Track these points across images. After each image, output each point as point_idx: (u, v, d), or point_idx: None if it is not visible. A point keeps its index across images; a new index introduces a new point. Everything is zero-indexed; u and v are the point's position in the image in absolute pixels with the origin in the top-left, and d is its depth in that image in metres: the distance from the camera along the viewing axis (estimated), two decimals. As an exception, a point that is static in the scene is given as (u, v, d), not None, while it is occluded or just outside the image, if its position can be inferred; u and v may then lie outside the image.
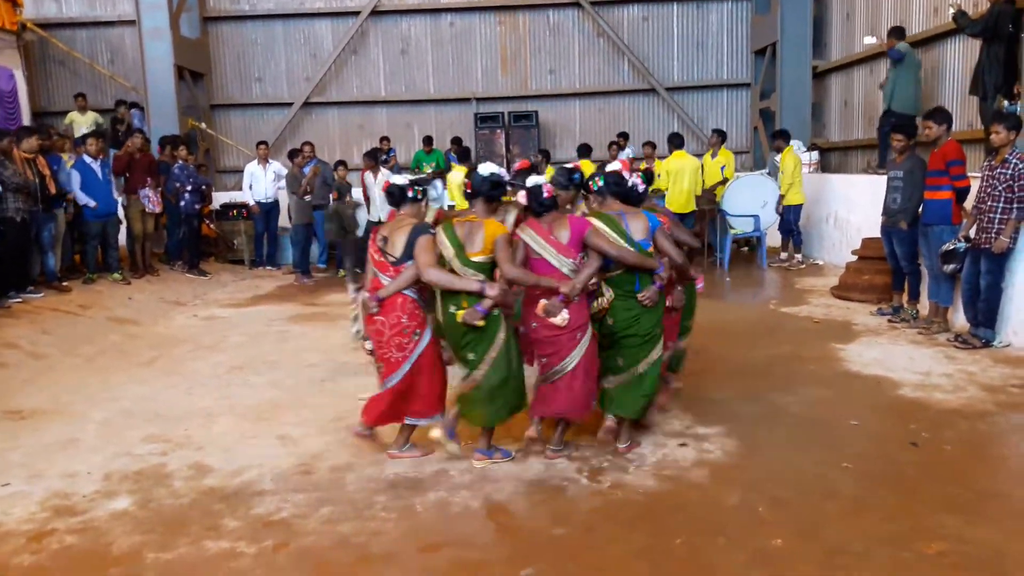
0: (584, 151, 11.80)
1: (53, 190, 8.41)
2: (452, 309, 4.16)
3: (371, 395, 4.49)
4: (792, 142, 11.04)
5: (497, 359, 4.20)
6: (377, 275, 4.33)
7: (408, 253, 4.20)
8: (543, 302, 4.18)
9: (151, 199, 10.22)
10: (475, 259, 4.17)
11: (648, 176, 4.85)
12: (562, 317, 4.16)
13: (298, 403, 5.59)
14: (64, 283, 8.68)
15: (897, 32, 9.36)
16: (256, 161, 11.93)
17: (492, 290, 4.07)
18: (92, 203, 9.16)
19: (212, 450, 4.73)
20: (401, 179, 4.48)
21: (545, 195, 4.30)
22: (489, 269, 4.19)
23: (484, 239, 4.16)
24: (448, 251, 4.20)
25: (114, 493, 4.18)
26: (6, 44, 12.14)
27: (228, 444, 4.83)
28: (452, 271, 4.19)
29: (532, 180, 4.36)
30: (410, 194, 4.40)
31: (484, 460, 4.35)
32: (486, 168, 4.37)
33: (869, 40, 10.02)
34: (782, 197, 10.44)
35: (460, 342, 4.22)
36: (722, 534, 3.57)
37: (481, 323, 4.10)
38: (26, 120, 11.98)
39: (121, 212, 9.97)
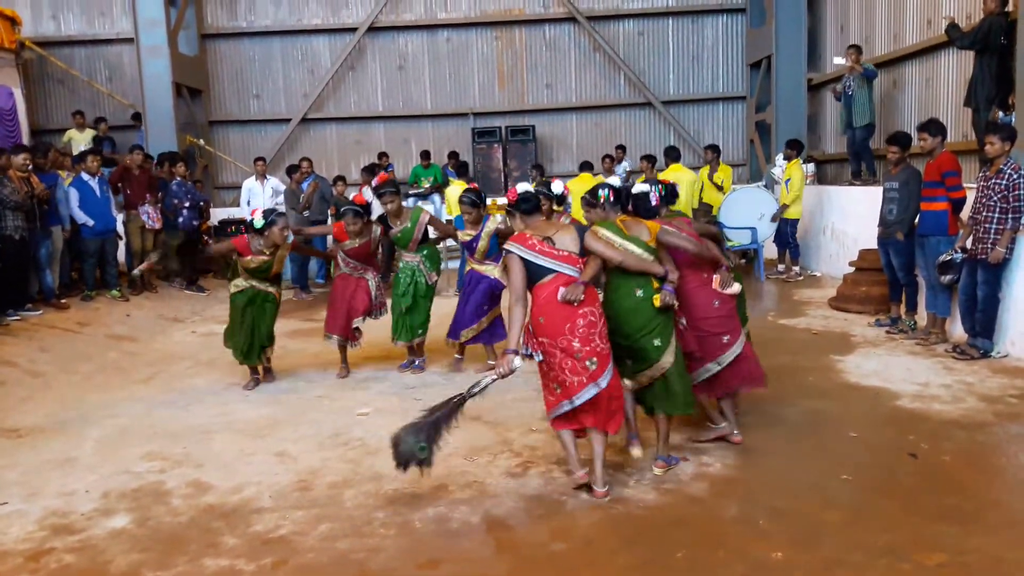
0: (586, 166, 11.96)
1: (39, 189, 8.34)
2: (640, 294, 4.24)
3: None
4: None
5: (677, 344, 4.34)
6: (560, 270, 4.10)
7: (582, 248, 4.25)
8: (717, 276, 4.60)
9: (151, 215, 10.24)
10: (651, 246, 4.36)
11: (671, 190, 5.01)
12: (737, 285, 4.67)
13: (296, 419, 5.59)
14: (62, 300, 8.68)
15: (859, 50, 10.07)
16: (254, 177, 11.96)
17: (673, 273, 4.30)
18: (90, 222, 9.17)
19: (211, 467, 4.73)
20: (530, 186, 4.61)
21: (653, 202, 4.58)
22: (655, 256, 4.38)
23: (650, 231, 4.36)
24: (626, 242, 4.27)
25: (112, 511, 4.17)
26: (5, 63, 12.21)
27: (227, 461, 4.83)
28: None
29: (639, 187, 4.63)
30: (543, 204, 4.66)
31: (665, 467, 4.40)
32: (640, 187, 4.66)
33: (839, 61, 10.26)
34: (784, 207, 10.50)
35: (646, 328, 4.24)
36: (722, 547, 3.57)
37: (675, 302, 4.28)
38: (25, 138, 12.02)
39: (121, 228, 9.99)
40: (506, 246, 4.21)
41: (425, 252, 6.64)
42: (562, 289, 4.02)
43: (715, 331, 4.64)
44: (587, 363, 4.00)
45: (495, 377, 4.06)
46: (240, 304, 6.45)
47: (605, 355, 4.07)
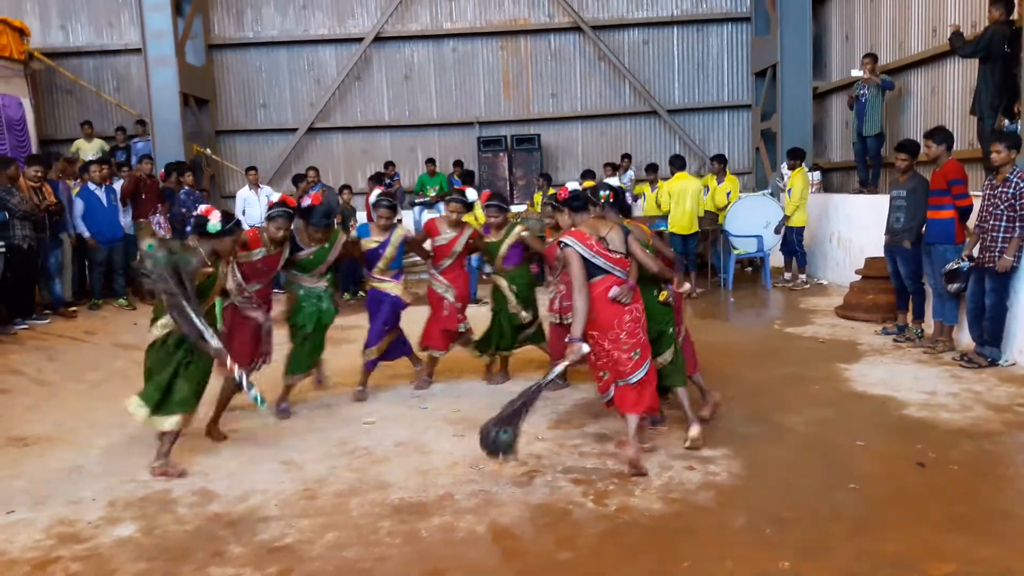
0: (588, 175, 11.99)
1: (53, 200, 8.44)
2: (656, 294, 4.81)
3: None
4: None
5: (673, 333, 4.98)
6: (611, 271, 4.51)
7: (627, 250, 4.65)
8: (677, 277, 5.10)
9: (162, 225, 10.29)
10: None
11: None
12: (687, 284, 5.24)
13: (303, 427, 5.60)
14: (71, 308, 8.71)
15: (875, 59, 10.16)
16: (248, 187, 11.97)
17: (674, 276, 4.96)
18: (86, 233, 9.24)
19: (217, 476, 4.73)
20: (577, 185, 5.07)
21: (629, 200, 5.30)
22: None
23: (647, 236, 5.01)
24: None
25: (119, 520, 4.17)
26: (14, 73, 12.30)
27: (233, 469, 4.83)
28: None
29: (609, 182, 5.16)
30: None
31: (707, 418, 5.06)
32: (611, 181, 5.31)
33: (856, 73, 10.29)
34: (786, 218, 10.49)
35: (664, 319, 4.85)
36: (729, 557, 3.55)
37: (673, 299, 4.94)
38: (34, 148, 12.10)
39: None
40: (564, 239, 4.55)
41: (329, 277, 5.95)
42: (615, 289, 4.46)
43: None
44: (631, 354, 4.48)
45: (566, 364, 4.57)
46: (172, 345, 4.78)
47: (647, 346, 4.57)
